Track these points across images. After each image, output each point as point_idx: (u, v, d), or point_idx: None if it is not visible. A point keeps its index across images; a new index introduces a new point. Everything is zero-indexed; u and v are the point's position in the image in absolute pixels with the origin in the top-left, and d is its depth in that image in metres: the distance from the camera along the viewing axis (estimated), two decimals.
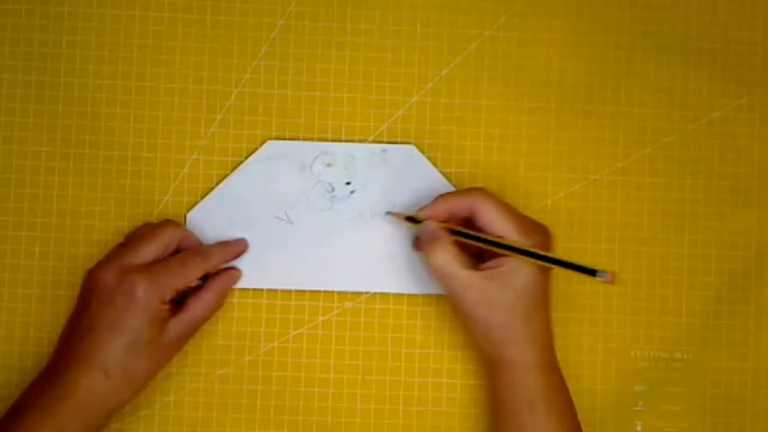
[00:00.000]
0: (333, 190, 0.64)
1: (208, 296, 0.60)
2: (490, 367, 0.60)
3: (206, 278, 0.61)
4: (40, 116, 0.65)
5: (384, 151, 0.65)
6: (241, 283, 0.63)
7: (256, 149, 0.64)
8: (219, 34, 0.65)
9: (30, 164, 0.64)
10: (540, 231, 0.59)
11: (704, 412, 0.65)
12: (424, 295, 0.64)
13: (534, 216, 0.61)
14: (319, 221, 0.64)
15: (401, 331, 0.64)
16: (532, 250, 0.57)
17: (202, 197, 0.64)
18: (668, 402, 0.65)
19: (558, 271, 0.58)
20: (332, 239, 0.64)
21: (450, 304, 0.63)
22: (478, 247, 0.59)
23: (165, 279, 0.58)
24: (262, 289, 0.64)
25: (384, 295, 0.64)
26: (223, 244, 0.62)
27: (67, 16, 0.65)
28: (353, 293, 0.64)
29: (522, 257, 0.57)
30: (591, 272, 0.55)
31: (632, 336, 0.65)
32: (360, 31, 0.66)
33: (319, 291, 0.64)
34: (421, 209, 0.60)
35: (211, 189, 0.64)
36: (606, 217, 0.66)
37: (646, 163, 0.66)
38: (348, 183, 0.64)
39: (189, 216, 0.64)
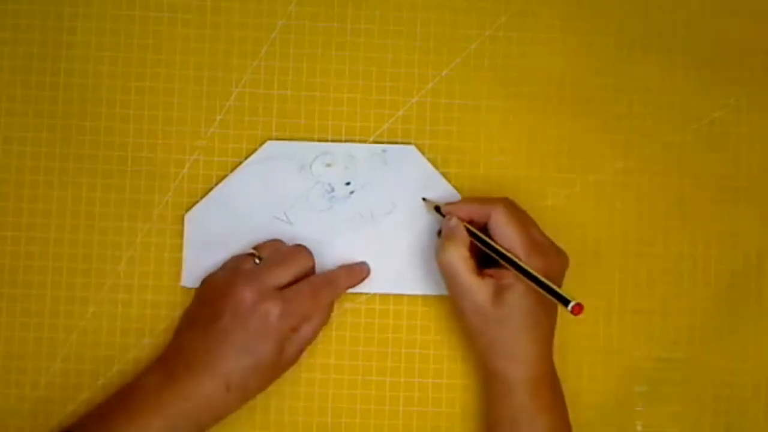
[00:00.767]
0: (333, 190, 0.64)
1: (318, 316, 0.61)
2: (484, 376, 0.61)
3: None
4: (40, 116, 0.65)
5: (384, 151, 0.65)
6: None
7: (255, 149, 0.64)
8: (219, 34, 0.65)
9: (30, 164, 0.64)
10: (546, 254, 0.59)
11: (704, 412, 0.65)
12: (424, 296, 0.64)
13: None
14: (318, 221, 0.64)
15: (401, 331, 0.64)
16: (524, 266, 0.56)
17: (202, 197, 0.64)
18: (668, 402, 0.65)
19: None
20: (332, 239, 0.64)
21: (451, 303, 0.63)
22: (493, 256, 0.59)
23: (298, 308, 0.59)
24: None
25: (384, 296, 0.64)
26: (348, 270, 0.63)
27: (67, 16, 0.65)
28: (353, 294, 0.64)
29: (518, 274, 0.57)
30: (564, 301, 0.54)
31: (632, 336, 0.65)
32: (360, 31, 0.66)
33: None
34: (447, 205, 0.61)
35: (211, 189, 0.64)
36: (606, 217, 0.66)
37: (646, 163, 0.66)
38: (348, 183, 0.64)
39: (189, 216, 0.64)
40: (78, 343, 0.64)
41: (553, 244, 0.60)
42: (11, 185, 0.64)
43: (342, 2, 0.66)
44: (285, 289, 0.59)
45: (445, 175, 0.65)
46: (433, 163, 0.65)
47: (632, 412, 0.65)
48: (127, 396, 0.58)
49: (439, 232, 0.62)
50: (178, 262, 0.64)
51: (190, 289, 0.63)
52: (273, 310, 0.58)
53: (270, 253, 0.61)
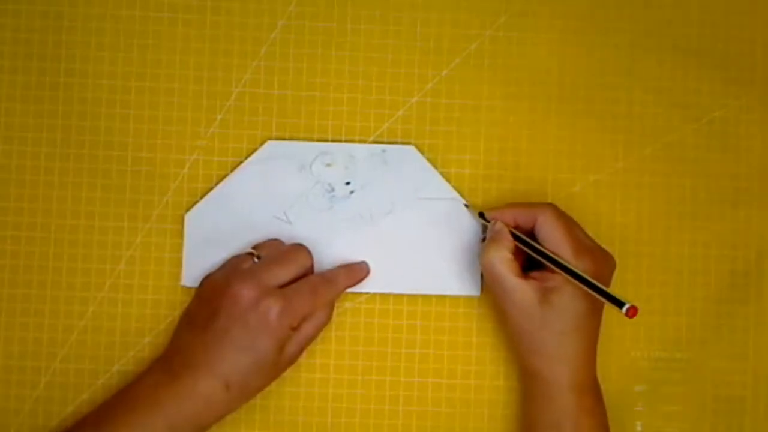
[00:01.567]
0: (332, 190, 0.64)
1: (319, 315, 0.61)
2: (524, 378, 0.61)
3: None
4: (40, 116, 0.65)
5: (384, 151, 0.65)
6: None
7: (255, 149, 0.64)
8: (219, 34, 0.65)
9: (30, 164, 0.64)
10: (594, 257, 0.59)
11: (704, 412, 0.65)
12: (424, 296, 0.64)
13: None
14: (318, 221, 0.64)
15: (401, 331, 0.64)
16: (573, 269, 0.57)
17: (202, 197, 0.64)
18: (668, 402, 0.65)
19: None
20: (331, 239, 0.64)
21: (494, 305, 0.63)
22: (538, 260, 0.59)
23: (297, 306, 0.59)
24: None
25: (384, 296, 0.64)
26: (347, 269, 0.63)
27: (67, 16, 0.65)
28: (353, 294, 0.64)
29: (567, 276, 0.57)
30: (619, 304, 0.54)
31: (632, 336, 0.65)
32: (360, 31, 0.66)
33: None
34: (491, 210, 0.62)
35: (211, 189, 0.64)
36: (606, 217, 0.66)
37: (646, 163, 0.66)
38: (347, 183, 0.64)
39: (189, 216, 0.64)
40: (78, 343, 0.64)
41: (599, 246, 0.60)
42: (11, 185, 0.64)
43: (342, 2, 0.66)
44: (284, 287, 0.59)
45: (445, 175, 0.65)
46: (433, 163, 0.65)
47: (632, 412, 0.65)
48: (127, 396, 0.58)
49: (484, 239, 0.62)
50: (178, 262, 0.64)
51: (190, 288, 0.63)
52: (273, 307, 0.58)
53: (269, 252, 0.61)
